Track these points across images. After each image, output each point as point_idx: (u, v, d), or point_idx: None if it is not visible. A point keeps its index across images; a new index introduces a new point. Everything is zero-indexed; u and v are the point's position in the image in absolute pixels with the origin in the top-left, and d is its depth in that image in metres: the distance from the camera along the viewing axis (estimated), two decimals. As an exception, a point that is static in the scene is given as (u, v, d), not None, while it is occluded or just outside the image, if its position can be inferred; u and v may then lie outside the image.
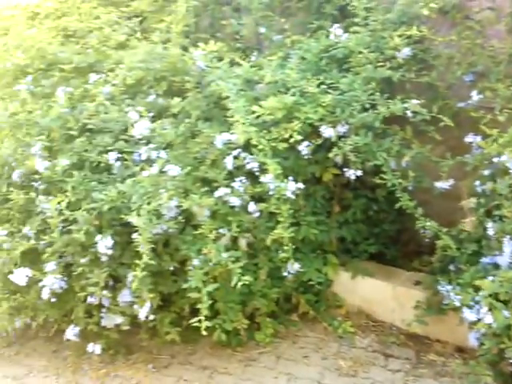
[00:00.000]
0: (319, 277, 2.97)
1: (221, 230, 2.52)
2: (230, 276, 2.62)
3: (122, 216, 2.51)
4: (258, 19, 3.35)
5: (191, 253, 2.59)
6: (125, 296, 2.62)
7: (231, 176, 2.67)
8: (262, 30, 3.29)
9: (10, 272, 2.62)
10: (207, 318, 2.39)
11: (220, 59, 2.96)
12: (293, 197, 2.45)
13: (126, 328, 2.66)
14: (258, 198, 2.65)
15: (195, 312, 2.78)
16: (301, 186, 2.48)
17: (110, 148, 2.74)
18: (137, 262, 2.32)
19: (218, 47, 2.86)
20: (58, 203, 2.50)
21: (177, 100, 2.76)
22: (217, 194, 2.56)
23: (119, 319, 2.63)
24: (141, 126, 2.59)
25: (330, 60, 3.02)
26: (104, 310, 2.66)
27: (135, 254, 2.64)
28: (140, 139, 2.76)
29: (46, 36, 3.37)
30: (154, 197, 2.47)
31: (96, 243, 2.52)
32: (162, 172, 2.52)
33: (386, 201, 3.13)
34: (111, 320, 2.66)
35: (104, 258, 2.52)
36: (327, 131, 2.57)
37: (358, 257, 3.20)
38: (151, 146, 2.66)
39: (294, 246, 2.52)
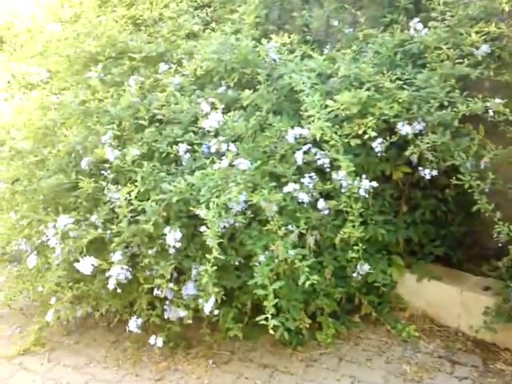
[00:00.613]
0: (384, 278, 2.88)
1: (289, 227, 2.47)
2: (294, 273, 2.60)
3: (190, 208, 2.51)
4: (330, 12, 3.27)
5: (257, 248, 2.55)
6: (189, 289, 2.60)
7: (299, 171, 2.62)
8: (335, 22, 3.20)
9: (76, 260, 2.64)
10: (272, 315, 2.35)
11: (291, 51, 2.91)
12: (366, 195, 2.38)
13: (189, 322, 2.63)
14: (326, 195, 2.60)
15: (257, 308, 2.79)
16: (374, 184, 2.40)
17: (179, 139, 2.72)
18: (206, 256, 2.28)
19: (290, 40, 2.78)
20: (128, 193, 2.49)
21: (248, 92, 2.71)
22: (286, 189, 2.51)
23: (183, 312, 2.61)
24: (213, 118, 2.55)
25: (405, 55, 2.93)
26: (167, 302, 2.65)
27: (200, 246, 2.66)
28: (209, 131, 2.74)
29: (116, 24, 3.37)
30: (224, 190, 2.44)
31: (163, 235, 2.51)
32: (231, 165, 2.49)
33: (455, 202, 3.02)
34: (175, 313, 2.64)
35: (171, 251, 2.50)
36: (405, 128, 2.47)
37: (424, 259, 3.10)
38: (221, 138, 2.62)
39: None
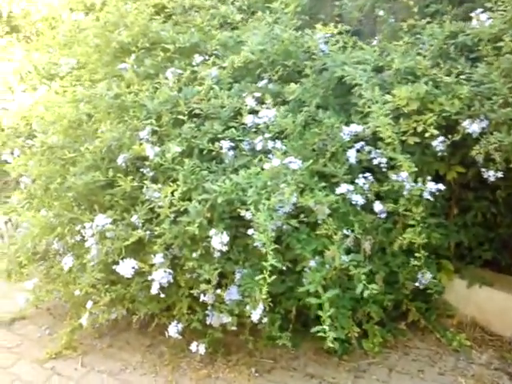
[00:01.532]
0: (435, 284, 2.72)
1: (344, 231, 2.32)
2: (341, 279, 2.46)
3: (235, 209, 2.37)
4: (374, 1, 3.10)
5: (306, 253, 2.40)
6: (232, 294, 2.46)
7: (350, 171, 2.47)
8: (380, 12, 3.04)
9: (114, 262, 2.49)
10: (317, 323, 2.21)
11: (335, 42, 2.75)
12: (431, 198, 2.22)
13: (233, 328, 2.49)
14: (378, 197, 2.45)
15: (299, 314, 2.66)
16: (441, 186, 2.24)
17: (220, 136, 2.57)
18: (263, 263, 2.13)
19: (338, 30, 2.62)
20: (172, 193, 2.34)
21: (293, 86, 2.55)
22: (338, 190, 2.36)
23: (226, 318, 2.46)
24: (264, 114, 2.39)
25: (456, 47, 2.76)
26: (209, 307, 2.51)
27: (243, 249, 2.52)
28: (251, 127, 2.59)
29: (144, 13, 3.19)
30: (273, 191, 2.29)
31: (208, 237, 2.36)
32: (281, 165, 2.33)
33: (505, 203, 2.87)
34: (218, 319, 2.50)
35: (216, 254, 2.36)
36: (472, 126, 2.31)
37: (473, 263, 2.95)
38: (267, 135, 2.47)
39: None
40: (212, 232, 2.32)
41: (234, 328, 2.50)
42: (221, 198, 2.34)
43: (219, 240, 2.30)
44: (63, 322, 2.97)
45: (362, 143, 2.42)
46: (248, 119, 2.54)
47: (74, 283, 2.73)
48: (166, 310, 2.69)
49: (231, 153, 2.52)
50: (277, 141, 2.45)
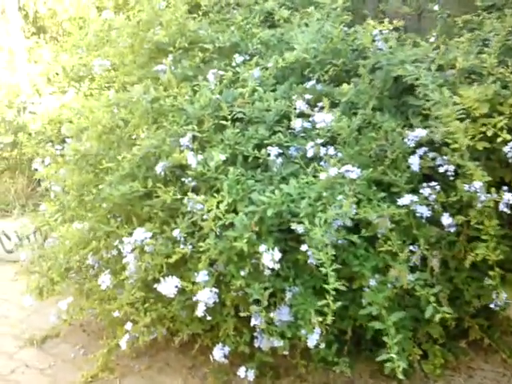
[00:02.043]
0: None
1: (411, 247, 2.11)
2: (399, 297, 2.26)
3: (284, 222, 2.17)
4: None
5: (365, 270, 2.20)
6: (283, 315, 2.26)
7: (410, 179, 2.25)
8: (436, 7, 2.80)
9: (154, 279, 2.31)
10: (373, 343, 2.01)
11: (389, 39, 2.53)
12: (507, 211, 2.00)
13: (284, 353, 2.29)
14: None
15: (354, 333, 2.46)
16: (520, 198, 2.02)
17: (267, 141, 2.37)
18: (324, 286, 1.92)
19: (394, 25, 2.41)
20: (217, 205, 2.15)
21: (347, 86, 2.34)
22: (402, 201, 2.14)
23: (278, 342, 2.26)
24: (319, 118, 2.18)
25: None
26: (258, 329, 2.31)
27: (293, 264, 2.32)
28: (299, 132, 2.39)
29: (179, 10, 3.00)
30: (329, 203, 2.09)
31: (256, 253, 2.17)
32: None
33: None
34: (267, 342, 2.30)
35: (266, 272, 2.16)
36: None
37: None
38: (318, 140, 2.26)
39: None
40: (262, 248, 2.12)
41: (286, 353, 2.30)
42: (271, 211, 2.14)
43: (270, 257, 2.10)
44: (98, 341, 2.80)
45: (425, 149, 2.20)
46: (297, 123, 2.34)
47: (110, 301, 2.57)
48: (209, 331, 2.50)
49: (279, 160, 2.32)
50: (329, 147, 2.25)
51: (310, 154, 2.25)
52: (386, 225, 2.09)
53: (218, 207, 2.16)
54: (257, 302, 2.20)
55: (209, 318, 2.16)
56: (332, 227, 2.03)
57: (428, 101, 2.26)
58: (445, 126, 2.01)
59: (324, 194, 2.09)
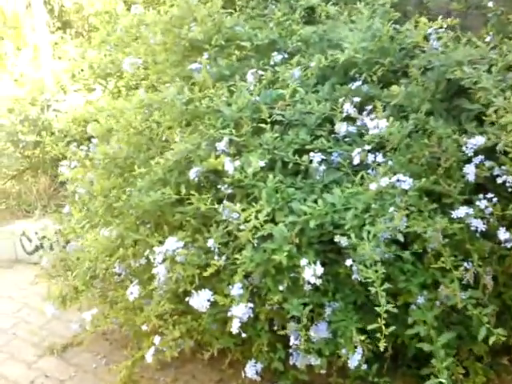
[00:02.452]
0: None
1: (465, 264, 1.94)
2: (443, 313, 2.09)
3: (325, 233, 2.03)
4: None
5: (412, 287, 2.03)
6: (321, 331, 2.11)
7: (464, 190, 2.09)
8: (490, 3, 2.62)
9: (185, 291, 2.17)
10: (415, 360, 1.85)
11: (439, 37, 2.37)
12: None
13: (322, 372, 2.14)
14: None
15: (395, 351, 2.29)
16: None
17: (308, 147, 2.22)
18: (376, 309, 1.77)
19: (449, 23, 2.24)
20: (256, 214, 2.00)
21: (396, 88, 2.17)
22: (457, 213, 1.97)
23: (315, 360, 2.11)
24: (375, 125, 2.02)
25: None
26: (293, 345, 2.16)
27: (332, 278, 2.17)
28: (343, 137, 2.24)
29: (214, 5, 2.85)
30: (378, 215, 1.93)
31: (295, 266, 2.01)
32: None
33: None
34: (304, 359, 2.15)
35: (306, 287, 2.01)
36: None
37: None
38: (366, 147, 2.10)
39: None
40: (303, 262, 1.97)
41: (323, 371, 2.15)
42: (313, 222, 1.99)
43: (312, 272, 1.94)
44: (121, 351, 2.68)
45: (481, 157, 2.03)
46: (342, 127, 2.18)
47: (135, 310, 2.43)
48: (240, 345, 2.35)
49: (322, 167, 2.16)
50: (377, 153, 2.08)
51: (356, 160, 2.09)
52: (439, 239, 1.92)
53: (256, 217, 2.02)
54: (293, 318, 2.06)
55: (244, 335, 2.01)
56: (381, 242, 1.87)
57: (484, 105, 2.10)
58: (509, 134, 1.84)
59: (373, 205, 1.93)
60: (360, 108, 2.29)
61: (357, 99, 2.18)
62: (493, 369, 2.40)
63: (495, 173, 2.00)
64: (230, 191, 2.19)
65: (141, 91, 2.67)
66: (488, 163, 2.03)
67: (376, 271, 1.80)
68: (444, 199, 2.08)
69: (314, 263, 1.96)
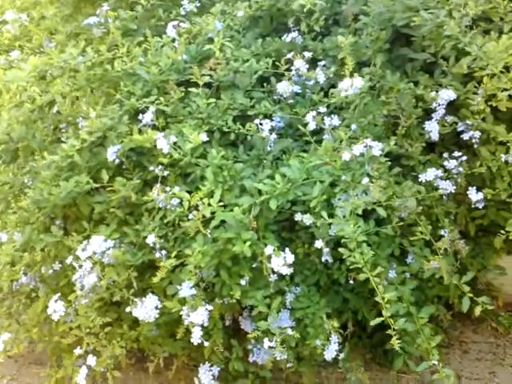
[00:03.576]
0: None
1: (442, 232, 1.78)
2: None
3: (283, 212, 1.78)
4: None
5: (380, 260, 1.84)
6: (282, 320, 1.84)
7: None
8: None
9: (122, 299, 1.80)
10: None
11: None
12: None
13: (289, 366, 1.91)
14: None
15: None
16: None
17: (250, 113, 1.90)
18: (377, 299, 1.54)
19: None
20: (201, 198, 1.66)
21: (342, 39, 1.89)
22: (425, 176, 1.80)
23: (280, 354, 1.84)
24: (346, 85, 1.72)
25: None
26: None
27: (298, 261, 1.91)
28: (286, 98, 1.95)
29: None
30: (350, 188, 1.69)
31: (258, 255, 1.73)
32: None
33: None
34: (266, 355, 1.89)
35: (272, 277, 1.73)
36: None
37: None
38: (321, 109, 1.82)
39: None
40: (268, 250, 1.68)
41: (290, 365, 1.92)
42: (274, 202, 1.71)
43: (281, 261, 1.67)
44: (31, 369, 2.23)
45: (442, 112, 1.85)
46: (286, 88, 1.88)
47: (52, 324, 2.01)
48: (190, 348, 2.04)
49: (273, 136, 1.86)
50: (333, 116, 1.82)
51: (311, 126, 1.81)
52: (414, 206, 1.73)
53: (206, 203, 1.68)
54: (246, 308, 1.82)
55: (206, 343, 1.70)
56: (360, 219, 1.64)
57: (433, 54, 1.92)
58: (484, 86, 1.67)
59: (344, 177, 1.69)
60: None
61: (308, 54, 1.88)
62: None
63: (459, 128, 1.85)
64: (163, 173, 1.81)
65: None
66: (449, 118, 1.87)
67: (362, 253, 1.57)
68: (404, 161, 1.90)
69: (282, 250, 1.68)
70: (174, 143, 1.78)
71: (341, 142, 1.75)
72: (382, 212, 1.63)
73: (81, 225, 1.88)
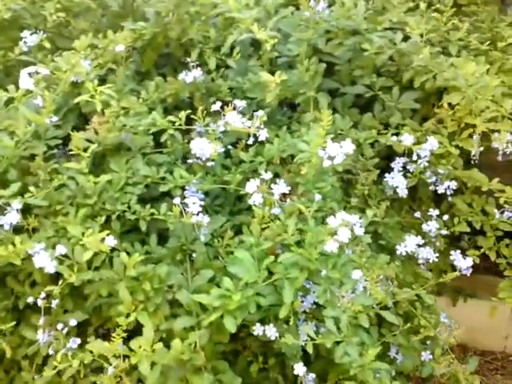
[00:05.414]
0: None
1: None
2: None
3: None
4: None
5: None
6: None
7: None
8: None
9: None
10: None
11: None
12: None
13: None
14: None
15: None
16: None
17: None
18: None
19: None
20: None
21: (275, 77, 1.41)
22: (404, 248, 1.38)
23: None
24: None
25: None
26: None
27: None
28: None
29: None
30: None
31: None
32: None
33: None
34: None
35: None
36: None
37: None
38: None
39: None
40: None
41: None
42: (231, 321, 1.15)
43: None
44: None
45: (402, 161, 1.47)
46: (201, 146, 1.33)
47: None
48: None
49: (206, 219, 1.29)
50: (279, 181, 1.32)
51: (256, 199, 1.28)
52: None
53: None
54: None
55: None
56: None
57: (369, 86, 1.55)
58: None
59: (323, 271, 1.19)
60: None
61: (241, 103, 1.33)
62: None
63: (430, 180, 1.47)
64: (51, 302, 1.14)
65: None
66: (411, 168, 1.48)
67: None
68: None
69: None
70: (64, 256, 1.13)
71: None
72: (391, 318, 1.17)
73: None
